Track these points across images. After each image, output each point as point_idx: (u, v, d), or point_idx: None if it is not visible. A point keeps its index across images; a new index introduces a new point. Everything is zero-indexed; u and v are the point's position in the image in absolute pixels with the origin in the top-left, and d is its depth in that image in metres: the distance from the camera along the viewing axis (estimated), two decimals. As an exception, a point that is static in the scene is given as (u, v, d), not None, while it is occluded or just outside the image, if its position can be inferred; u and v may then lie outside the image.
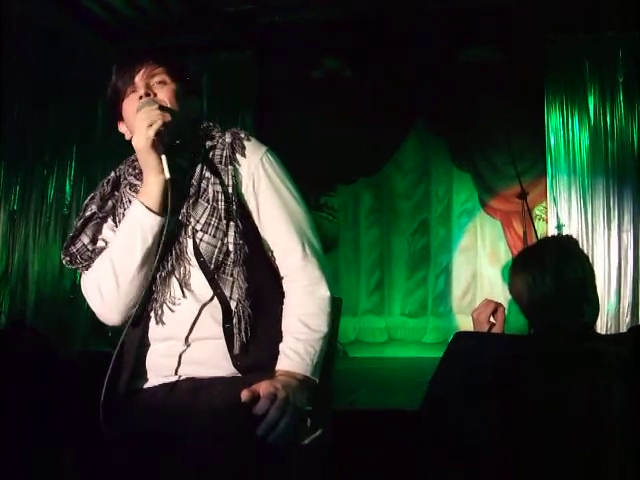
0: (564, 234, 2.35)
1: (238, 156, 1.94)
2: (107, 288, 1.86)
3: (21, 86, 6.05)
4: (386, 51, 7.47)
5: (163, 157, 1.77)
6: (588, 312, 2.02)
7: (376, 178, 9.15)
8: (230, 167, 1.91)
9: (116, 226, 1.97)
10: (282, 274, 1.98)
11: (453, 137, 8.49)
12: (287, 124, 7.53)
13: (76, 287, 6.73)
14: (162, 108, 1.83)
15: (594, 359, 1.81)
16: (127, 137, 2.00)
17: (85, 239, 1.96)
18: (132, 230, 1.83)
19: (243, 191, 1.94)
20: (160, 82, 1.94)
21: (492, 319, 2.29)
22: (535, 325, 2.09)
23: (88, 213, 1.98)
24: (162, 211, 1.83)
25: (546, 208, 7.65)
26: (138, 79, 1.93)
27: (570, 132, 7.10)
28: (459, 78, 7.64)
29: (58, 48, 6.47)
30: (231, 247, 1.85)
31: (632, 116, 6.79)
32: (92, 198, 2.03)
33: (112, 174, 2.06)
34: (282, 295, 1.98)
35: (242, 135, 1.98)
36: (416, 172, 9.27)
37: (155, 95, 1.92)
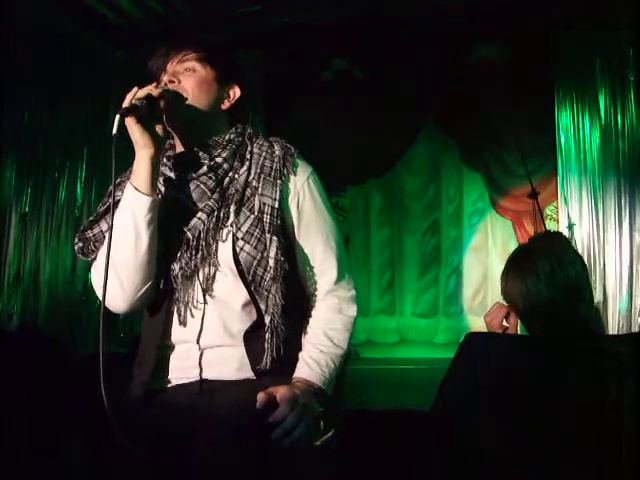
0: (556, 231, 2.32)
1: (288, 172, 1.94)
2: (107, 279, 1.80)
3: (31, 89, 6.07)
4: (396, 51, 7.46)
5: (117, 116, 1.71)
6: (582, 308, 2.02)
7: (386, 178, 9.16)
8: (279, 181, 1.90)
9: None
10: (312, 292, 1.99)
11: (463, 137, 8.47)
12: (296, 124, 7.54)
13: (88, 289, 6.74)
14: (165, 89, 1.83)
15: (601, 359, 1.80)
16: None
17: (104, 225, 1.92)
18: (123, 216, 1.80)
19: (286, 207, 1.94)
20: (188, 69, 1.94)
21: (505, 323, 2.30)
22: (530, 329, 2.09)
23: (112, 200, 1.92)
24: (153, 189, 1.81)
25: (557, 208, 7.62)
26: (169, 65, 1.95)
27: (581, 131, 7.06)
28: (469, 77, 7.62)
29: (68, 50, 6.48)
30: (271, 262, 1.84)
31: (643, 114, 6.77)
32: (119, 184, 1.97)
33: None
34: (307, 309, 2.00)
35: (293, 151, 1.98)
36: (426, 172, 9.28)
37: (179, 82, 1.92)
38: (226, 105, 2.02)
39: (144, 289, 1.87)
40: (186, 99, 1.90)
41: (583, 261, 2.09)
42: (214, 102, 1.98)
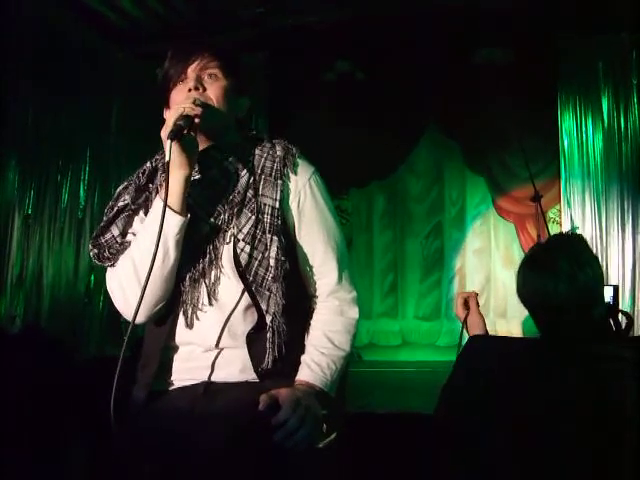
0: (574, 233, 2.33)
1: (288, 172, 1.94)
2: (130, 289, 1.83)
3: (35, 90, 6.08)
4: (398, 53, 7.47)
5: (168, 141, 1.72)
6: (596, 312, 2.02)
7: (389, 181, 9.15)
8: (279, 181, 1.91)
9: None
10: (313, 293, 1.99)
11: (466, 140, 8.47)
12: (299, 126, 7.54)
13: (91, 291, 6.75)
14: (201, 104, 1.82)
15: (605, 362, 1.80)
16: None
17: (115, 231, 1.93)
18: (153, 232, 1.78)
19: (287, 207, 1.94)
20: (212, 76, 1.93)
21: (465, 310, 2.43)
22: (541, 328, 2.08)
23: (121, 203, 1.94)
24: (184, 210, 1.81)
25: (560, 211, 7.63)
26: (190, 70, 1.92)
27: (584, 134, 7.07)
28: (472, 80, 7.63)
29: (72, 52, 6.50)
30: (272, 262, 1.84)
31: (646, 118, 6.77)
32: (126, 187, 1.98)
33: (148, 164, 2.01)
34: (309, 311, 1.99)
35: (294, 151, 1.98)
36: (429, 175, 9.26)
37: (205, 90, 1.91)
38: (239, 115, 2.03)
39: (163, 302, 1.87)
40: (214, 108, 1.89)
41: (600, 266, 2.09)
42: (232, 111, 1.98)
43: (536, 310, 2.07)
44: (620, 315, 2.22)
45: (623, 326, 2.12)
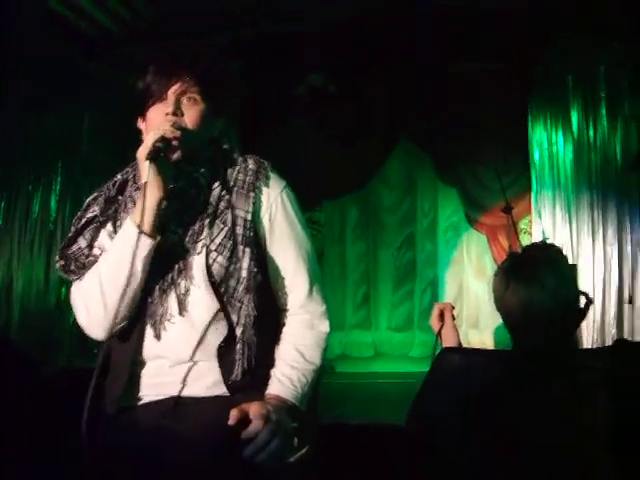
0: (552, 244, 2.32)
1: (261, 184, 1.95)
2: (94, 305, 1.83)
3: (7, 101, 6.03)
4: (370, 66, 7.48)
5: (146, 162, 1.74)
6: (573, 323, 2.04)
7: (362, 193, 9.17)
8: (252, 194, 1.92)
9: (115, 232, 1.93)
10: (283, 306, 1.99)
11: (438, 152, 8.50)
12: (272, 139, 7.53)
13: (61, 303, 6.68)
14: (179, 127, 1.83)
15: (580, 373, 1.81)
16: (143, 136, 1.99)
17: (82, 242, 1.93)
18: (121, 252, 1.79)
19: (259, 220, 1.94)
20: (191, 99, 1.93)
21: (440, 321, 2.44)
22: (518, 338, 2.09)
23: (90, 215, 1.95)
24: (155, 231, 1.80)
25: (531, 222, 7.68)
26: (171, 92, 1.92)
27: (554, 146, 7.12)
28: (444, 93, 7.65)
29: (42, 62, 6.44)
30: (244, 273, 1.85)
31: (614, 130, 6.81)
32: (95, 198, 1.99)
33: (119, 176, 2.02)
34: (279, 324, 1.99)
35: (266, 165, 2.00)
36: (401, 187, 9.31)
37: (182, 115, 1.91)
38: (214, 134, 2.05)
39: (126, 321, 1.85)
40: (190, 132, 1.89)
41: (576, 278, 2.12)
42: (207, 133, 2.00)
43: (517, 320, 2.07)
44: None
45: (582, 305, 2.13)
